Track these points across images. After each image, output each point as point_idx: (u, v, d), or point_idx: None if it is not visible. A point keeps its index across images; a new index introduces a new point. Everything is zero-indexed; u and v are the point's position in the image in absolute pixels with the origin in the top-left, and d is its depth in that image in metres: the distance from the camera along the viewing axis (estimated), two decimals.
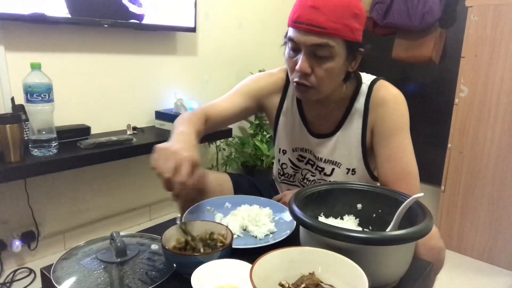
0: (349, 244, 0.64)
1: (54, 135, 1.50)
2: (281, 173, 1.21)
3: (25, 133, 1.50)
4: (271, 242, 0.81)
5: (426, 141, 2.55)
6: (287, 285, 0.59)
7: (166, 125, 2.04)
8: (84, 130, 1.74)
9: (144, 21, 1.90)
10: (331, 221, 0.85)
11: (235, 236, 0.85)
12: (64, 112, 1.74)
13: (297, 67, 0.92)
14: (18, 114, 1.42)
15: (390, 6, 2.27)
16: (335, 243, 0.64)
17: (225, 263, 0.67)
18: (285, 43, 0.98)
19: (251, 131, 2.58)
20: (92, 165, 1.79)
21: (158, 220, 2.23)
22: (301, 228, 0.74)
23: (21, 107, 1.52)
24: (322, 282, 0.60)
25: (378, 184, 1.05)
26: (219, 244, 0.75)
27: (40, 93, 1.41)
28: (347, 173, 1.08)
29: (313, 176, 1.15)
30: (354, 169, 1.07)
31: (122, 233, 0.80)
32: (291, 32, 0.93)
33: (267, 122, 2.48)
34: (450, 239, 2.06)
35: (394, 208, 0.77)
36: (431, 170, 2.21)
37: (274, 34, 2.70)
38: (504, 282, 1.82)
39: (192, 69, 2.31)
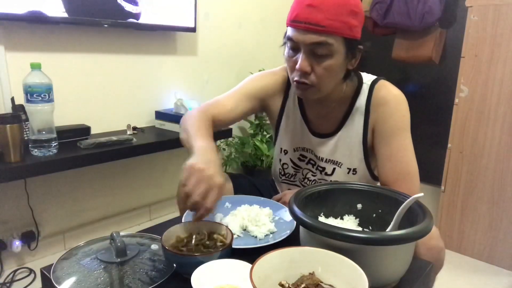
0: (349, 244, 0.64)
1: (54, 135, 1.50)
2: (282, 173, 1.21)
3: (25, 133, 1.50)
4: (271, 242, 0.81)
5: (426, 141, 2.55)
6: (287, 285, 0.59)
7: (166, 125, 2.04)
8: (84, 130, 1.74)
9: (144, 21, 1.90)
10: (331, 221, 0.85)
11: (235, 236, 0.85)
12: (64, 112, 1.74)
13: (297, 66, 0.92)
14: (18, 114, 1.42)
15: (390, 6, 2.27)
16: (335, 243, 0.64)
17: (225, 263, 0.67)
18: (284, 43, 0.98)
19: (251, 131, 2.58)
20: (92, 165, 1.79)
21: (158, 220, 2.23)
22: (301, 228, 0.74)
23: (21, 107, 1.52)
24: (322, 282, 0.60)
25: (379, 184, 1.05)
26: (219, 244, 0.75)
27: (40, 93, 1.41)
28: (348, 173, 1.08)
29: (314, 176, 1.15)
30: (355, 169, 1.08)
31: (122, 233, 0.80)
32: (289, 31, 0.93)
33: (267, 122, 2.48)
34: (450, 239, 2.06)
35: (394, 208, 0.77)
36: (431, 170, 2.21)
37: (274, 34, 2.70)
38: (504, 282, 1.82)
39: (192, 69, 2.31)
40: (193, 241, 0.76)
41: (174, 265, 0.72)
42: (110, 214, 2.05)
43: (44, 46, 1.68)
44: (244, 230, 0.89)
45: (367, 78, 1.05)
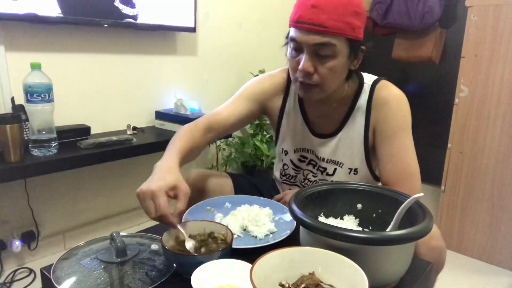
0: (349, 244, 0.64)
1: (54, 135, 1.50)
2: (283, 173, 1.21)
3: (25, 133, 1.50)
4: (271, 242, 0.81)
5: (426, 141, 2.55)
6: (287, 285, 0.59)
7: (166, 125, 2.04)
8: (84, 130, 1.74)
9: (144, 21, 1.89)
10: (331, 221, 0.85)
11: (235, 236, 0.85)
12: (64, 112, 1.74)
13: (300, 66, 0.92)
14: (18, 114, 1.42)
15: (390, 6, 2.27)
16: (335, 243, 0.64)
17: (225, 263, 0.67)
18: (286, 44, 0.98)
19: (251, 131, 2.58)
20: (92, 165, 1.79)
21: None
22: (301, 228, 0.74)
23: (21, 107, 1.52)
24: (322, 282, 0.60)
25: (380, 184, 1.05)
26: (219, 244, 0.75)
27: (40, 93, 1.41)
28: (349, 173, 1.08)
29: (315, 176, 1.14)
30: (356, 169, 1.08)
31: (122, 233, 0.80)
32: (293, 32, 0.93)
33: (267, 122, 2.48)
34: (450, 239, 2.06)
35: (394, 208, 0.77)
36: (431, 170, 2.21)
37: (274, 34, 2.70)
38: (504, 282, 1.82)
39: (192, 69, 2.31)
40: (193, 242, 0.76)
41: (174, 265, 0.72)
42: (110, 214, 2.05)
43: (44, 46, 1.68)
44: (244, 230, 0.89)
45: (368, 78, 1.05)
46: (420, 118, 2.53)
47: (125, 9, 1.80)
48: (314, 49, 0.90)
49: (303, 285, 0.59)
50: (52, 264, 0.72)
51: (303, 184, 1.17)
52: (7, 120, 1.35)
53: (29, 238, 1.73)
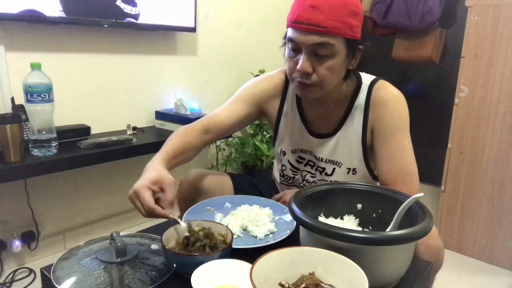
0: (349, 244, 0.64)
1: (54, 135, 1.50)
2: (281, 174, 1.21)
3: (25, 133, 1.50)
4: (271, 242, 0.81)
5: (426, 141, 2.55)
6: (287, 285, 0.59)
7: (166, 125, 2.04)
8: (84, 130, 1.74)
9: (144, 21, 1.90)
10: (331, 221, 0.85)
11: (235, 236, 0.85)
12: (64, 112, 1.74)
13: (299, 67, 0.92)
14: (18, 114, 1.42)
15: (390, 6, 2.27)
16: (335, 243, 0.64)
17: (225, 263, 0.67)
18: (284, 44, 0.98)
19: (251, 131, 2.58)
20: (92, 165, 1.79)
21: (158, 220, 2.23)
22: (301, 228, 0.74)
23: (21, 107, 1.52)
24: (322, 282, 0.60)
25: (379, 183, 1.05)
26: (219, 244, 0.75)
27: (40, 93, 1.41)
28: (348, 172, 1.08)
29: (313, 177, 1.14)
30: (355, 168, 1.08)
31: (122, 233, 0.80)
32: (290, 32, 0.93)
33: (267, 122, 2.48)
34: (450, 239, 2.06)
35: (394, 208, 0.77)
36: (431, 170, 2.21)
37: (274, 34, 2.69)
38: (504, 282, 1.82)
39: (192, 69, 2.31)
40: (191, 240, 0.76)
41: (174, 265, 0.72)
42: (110, 214, 2.05)
43: (44, 46, 1.68)
44: (244, 230, 0.89)
45: (366, 78, 1.05)
46: (420, 118, 2.53)
47: (127, 8, 1.80)
48: (312, 49, 0.90)
49: (303, 285, 0.59)
50: (52, 264, 0.72)
51: (301, 185, 1.17)
52: (7, 120, 1.35)
53: (29, 238, 1.73)
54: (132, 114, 2.05)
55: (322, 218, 0.85)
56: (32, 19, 1.55)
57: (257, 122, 2.56)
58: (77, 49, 1.78)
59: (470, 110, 1.93)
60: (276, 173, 1.26)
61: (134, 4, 1.84)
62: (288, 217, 0.93)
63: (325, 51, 0.90)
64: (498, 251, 1.93)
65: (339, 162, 1.08)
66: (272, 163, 1.45)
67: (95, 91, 1.88)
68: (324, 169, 1.11)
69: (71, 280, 0.68)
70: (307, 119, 1.11)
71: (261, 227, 0.88)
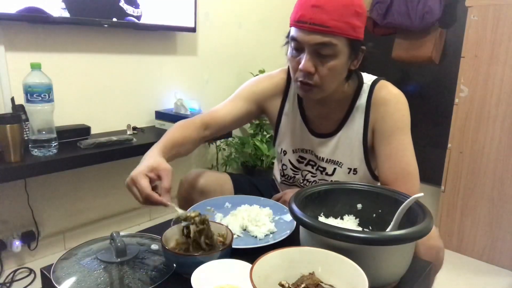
0: (349, 244, 0.64)
1: (54, 135, 1.50)
2: (282, 174, 1.21)
3: (25, 133, 1.50)
4: (271, 242, 0.81)
5: (426, 141, 2.55)
6: (287, 285, 0.59)
7: (166, 125, 2.04)
8: (84, 130, 1.74)
9: (144, 21, 1.90)
10: (331, 221, 0.85)
11: (235, 236, 0.85)
12: (64, 112, 1.74)
13: (301, 66, 0.92)
14: (18, 114, 1.42)
15: (390, 6, 2.27)
16: (335, 243, 0.64)
17: (225, 263, 0.67)
18: (287, 43, 0.98)
19: (251, 131, 2.58)
20: (92, 165, 1.78)
21: (158, 220, 2.23)
22: (301, 228, 0.74)
23: (21, 107, 1.52)
24: (322, 282, 0.60)
25: (379, 183, 1.05)
26: (219, 244, 0.75)
27: (40, 93, 1.41)
28: (349, 172, 1.08)
29: (314, 177, 1.14)
30: (356, 168, 1.08)
31: (122, 233, 0.80)
32: (293, 31, 0.93)
33: (267, 122, 2.48)
34: (450, 239, 2.06)
35: (394, 208, 0.77)
36: (431, 170, 2.21)
37: (274, 34, 2.69)
38: (504, 282, 1.82)
39: (192, 69, 2.31)
40: (191, 233, 0.75)
41: (174, 265, 0.72)
42: (110, 214, 2.05)
43: (44, 46, 1.68)
44: (244, 230, 0.89)
45: (368, 78, 1.05)
46: (420, 118, 2.53)
47: (130, 10, 1.81)
48: (315, 49, 0.90)
49: (303, 285, 0.59)
50: (52, 264, 0.72)
51: (302, 185, 1.17)
52: (7, 120, 1.35)
53: (29, 238, 1.73)
54: (132, 114, 2.05)
55: (322, 218, 0.85)
56: (32, 19, 1.55)
57: (257, 122, 2.56)
58: (77, 49, 1.78)
59: (470, 110, 1.93)
60: (276, 173, 1.26)
61: (136, 6, 1.84)
62: (288, 217, 0.93)
63: (328, 51, 0.90)
64: (498, 251, 1.93)
65: (340, 162, 1.08)
66: (272, 163, 1.45)
67: (95, 91, 1.88)
68: (325, 169, 1.11)
69: (71, 280, 0.68)
70: (308, 118, 1.11)
71: (261, 227, 0.88)
